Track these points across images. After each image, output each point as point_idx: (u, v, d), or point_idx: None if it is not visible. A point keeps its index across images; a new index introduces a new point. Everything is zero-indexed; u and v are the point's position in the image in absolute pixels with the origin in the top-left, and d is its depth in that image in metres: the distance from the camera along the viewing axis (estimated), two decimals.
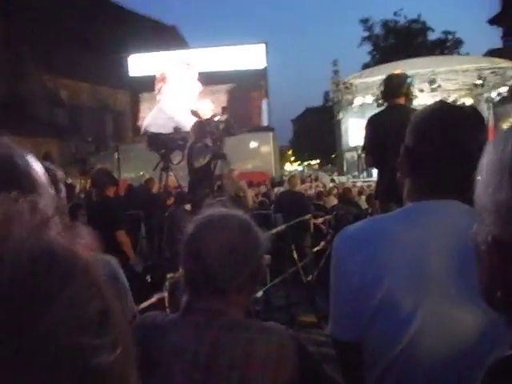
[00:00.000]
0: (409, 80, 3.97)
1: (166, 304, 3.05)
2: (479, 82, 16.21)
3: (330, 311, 1.14)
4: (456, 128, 1.06)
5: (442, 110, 1.14)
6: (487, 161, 0.51)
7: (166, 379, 1.07)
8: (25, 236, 0.35)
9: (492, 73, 16.68)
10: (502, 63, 16.69)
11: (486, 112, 19.09)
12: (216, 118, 6.61)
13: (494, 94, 17.92)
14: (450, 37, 39.26)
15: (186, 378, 1.05)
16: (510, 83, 16.84)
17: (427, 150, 1.08)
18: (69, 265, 0.36)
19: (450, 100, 17.64)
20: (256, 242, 1.16)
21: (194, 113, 6.58)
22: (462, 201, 1.01)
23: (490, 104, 19.03)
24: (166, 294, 3.07)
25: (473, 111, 1.11)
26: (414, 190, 1.12)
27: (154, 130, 7.90)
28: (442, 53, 34.63)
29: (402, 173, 1.16)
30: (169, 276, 3.14)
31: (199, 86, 22.43)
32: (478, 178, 0.53)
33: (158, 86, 22.85)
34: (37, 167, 0.77)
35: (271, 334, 1.09)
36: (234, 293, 1.11)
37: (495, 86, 17.48)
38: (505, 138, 0.49)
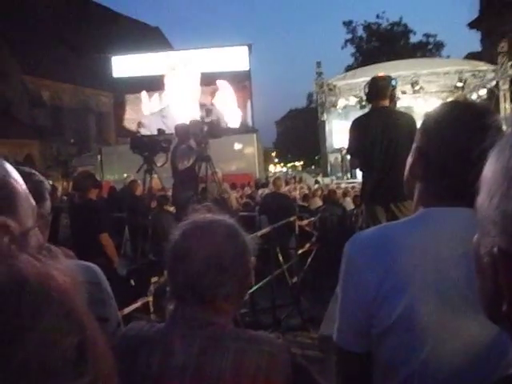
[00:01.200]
0: (393, 82, 3.99)
1: (151, 309, 3.01)
2: (460, 84, 16.44)
3: (338, 319, 1.10)
4: (469, 128, 1.00)
5: (450, 106, 1.11)
6: (491, 169, 0.49)
7: None
8: None
9: (472, 75, 16.96)
10: (482, 66, 16.98)
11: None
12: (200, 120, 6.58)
13: (474, 96, 18.19)
14: (431, 39, 39.85)
15: None
16: (489, 86, 17.13)
17: (440, 153, 1.03)
18: (42, 293, 0.32)
19: (432, 102, 17.89)
20: (243, 249, 1.13)
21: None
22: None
23: None
24: (150, 299, 3.02)
25: (487, 110, 1.06)
26: (426, 194, 1.08)
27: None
28: (423, 55, 35.12)
29: (414, 176, 1.11)
30: (153, 280, 3.10)
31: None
32: (482, 186, 0.51)
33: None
34: (15, 176, 0.72)
35: (261, 344, 1.07)
36: (222, 301, 1.09)
37: (475, 89, 17.75)
38: (511, 145, 0.47)
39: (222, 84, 23.52)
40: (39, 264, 0.33)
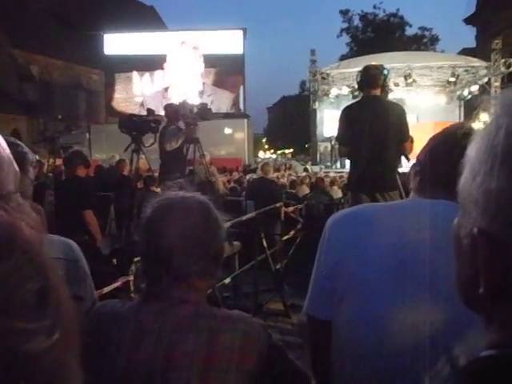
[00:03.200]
0: (385, 72, 3.98)
1: (131, 288, 3.00)
2: (452, 79, 16.48)
3: (309, 289, 1.17)
4: (448, 142, 1.08)
5: (456, 133, 1.18)
6: (475, 149, 0.48)
7: (127, 368, 1.03)
8: None
9: (465, 71, 17.02)
10: (475, 62, 17.03)
11: (458, 109, 19.48)
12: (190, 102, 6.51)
13: (465, 92, 18.28)
14: (426, 33, 39.89)
15: (146, 367, 1.02)
16: (481, 82, 17.20)
17: (435, 166, 1.10)
18: (5, 239, 0.32)
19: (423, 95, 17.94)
20: (216, 225, 1.12)
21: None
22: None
23: (462, 101, 19.42)
24: (131, 278, 3.01)
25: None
26: (413, 189, 1.16)
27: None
28: (418, 48, 35.15)
29: (410, 183, 1.19)
30: (135, 259, 3.08)
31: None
32: (465, 166, 0.50)
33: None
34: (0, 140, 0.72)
35: (236, 322, 1.06)
36: (195, 278, 1.07)
37: (467, 85, 17.83)
38: (497, 124, 0.46)
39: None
40: (6, 214, 0.34)
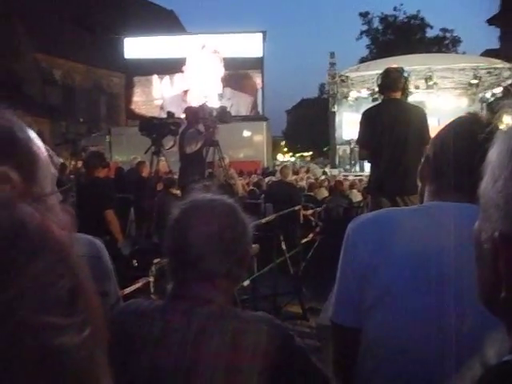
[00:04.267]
0: (406, 75, 3.95)
1: (151, 289, 3.02)
2: (475, 81, 16.23)
3: (335, 295, 1.15)
4: (466, 137, 1.06)
5: (465, 121, 1.15)
6: (496, 152, 0.48)
7: (152, 367, 1.04)
8: None
9: (488, 73, 16.71)
10: (498, 64, 16.72)
11: (480, 112, 19.14)
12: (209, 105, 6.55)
13: (488, 95, 17.97)
14: (448, 35, 39.33)
15: (171, 366, 1.03)
16: (504, 84, 16.89)
17: (445, 159, 1.09)
18: (39, 239, 0.34)
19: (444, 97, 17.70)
20: (243, 228, 1.14)
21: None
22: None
23: (484, 104, 19.11)
24: (151, 279, 3.04)
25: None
26: (431, 192, 1.13)
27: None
28: (439, 50, 34.70)
29: (422, 180, 1.17)
30: (155, 261, 3.10)
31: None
32: (486, 171, 0.49)
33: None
34: (38, 142, 0.75)
35: (260, 323, 1.07)
36: (221, 279, 1.09)
37: (490, 87, 17.53)
38: None
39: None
40: (38, 215, 0.35)
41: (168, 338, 1.05)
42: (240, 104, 23.26)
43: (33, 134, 0.75)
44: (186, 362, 1.02)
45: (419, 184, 1.20)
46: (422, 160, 1.18)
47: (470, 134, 1.03)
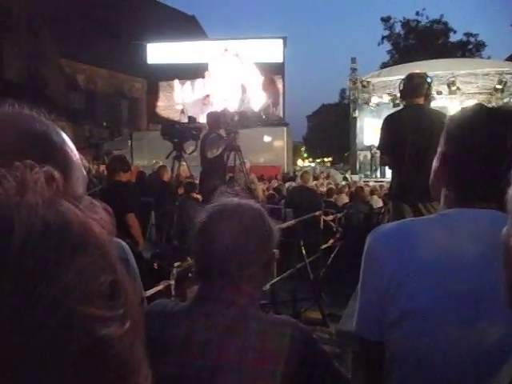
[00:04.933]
0: (429, 80, 3.91)
1: (172, 292, 3.05)
2: (499, 86, 15.98)
3: (357, 308, 1.14)
4: (486, 129, 1.02)
5: (474, 111, 1.09)
6: None
7: (176, 368, 1.05)
8: (39, 203, 0.35)
9: None
10: None
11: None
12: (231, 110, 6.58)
13: None
14: (471, 39, 38.82)
15: (196, 368, 1.04)
16: None
17: (460, 154, 1.05)
18: (82, 236, 0.36)
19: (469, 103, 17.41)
20: (269, 232, 1.14)
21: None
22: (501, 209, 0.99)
23: None
24: (172, 282, 3.06)
25: (504, 108, 1.07)
26: (451, 197, 1.09)
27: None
28: (463, 55, 34.29)
29: (439, 180, 1.12)
30: (176, 264, 3.13)
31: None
32: None
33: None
34: (71, 145, 0.77)
35: (284, 327, 1.07)
36: (246, 283, 1.10)
37: None
38: None
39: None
40: (80, 213, 0.37)
41: (193, 340, 1.06)
42: (259, 108, 23.33)
43: (66, 138, 0.77)
44: (211, 365, 1.03)
45: (433, 187, 1.16)
46: (437, 159, 1.12)
47: (491, 132, 1.00)
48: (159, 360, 1.05)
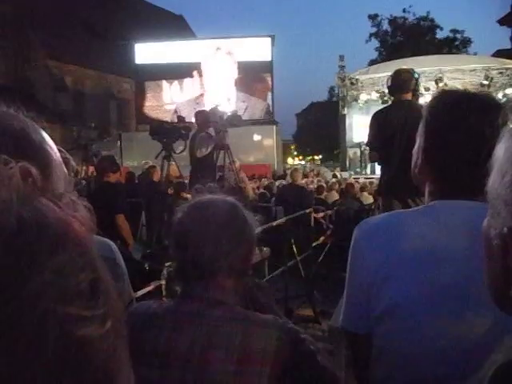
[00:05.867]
0: (416, 76, 3.93)
1: (163, 292, 3.03)
2: (486, 82, 16.09)
3: (344, 301, 1.15)
4: (464, 120, 1.01)
5: (450, 99, 1.09)
6: (504, 148, 0.47)
7: (161, 368, 1.05)
8: (14, 199, 0.33)
9: (499, 73, 16.58)
10: (510, 64, 16.58)
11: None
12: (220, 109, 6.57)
13: (500, 95, 17.81)
14: (458, 36, 39.10)
15: (180, 369, 1.03)
16: None
17: (441, 149, 1.04)
18: (60, 233, 0.34)
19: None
20: (244, 224, 1.14)
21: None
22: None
23: None
24: (163, 282, 3.04)
25: (492, 104, 1.05)
26: (436, 190, 1.09)
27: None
28: (449, 51, 34.48)
29: (421, 174, 1.12)
30: (167, 264, 3.11)
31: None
32: (493, 166, 0.49)
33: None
34: (51, 144, 0.76)
35: (271, 327, 1.07)
36: (224, 277, 1.09)
37: (502, 87, 17.37)
38: None
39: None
40: (59, 209, 0.36)
41: (178, 340, 1.05)
42: (254, 108, 23.30)
43: (46, 136, 0.76)
44: (196, 364, 1.02)
45: (417, 181, 1.15)
46: (415, 152, 1.12)
47: (467, 121, 0.99)
48: (143, 362, 1.04)
